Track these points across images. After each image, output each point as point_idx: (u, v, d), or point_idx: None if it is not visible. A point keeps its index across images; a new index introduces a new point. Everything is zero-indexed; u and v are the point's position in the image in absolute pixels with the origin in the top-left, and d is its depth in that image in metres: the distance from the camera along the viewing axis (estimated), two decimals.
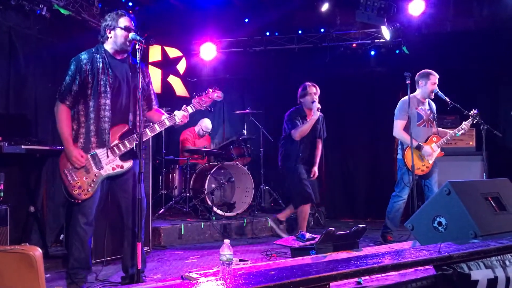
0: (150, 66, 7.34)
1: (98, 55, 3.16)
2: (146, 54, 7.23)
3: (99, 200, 3.18)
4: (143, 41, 3.12)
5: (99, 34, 3.23)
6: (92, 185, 3.08)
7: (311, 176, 5.14)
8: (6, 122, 4.53)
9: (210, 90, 3.50)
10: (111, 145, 3.13)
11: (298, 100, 5.21)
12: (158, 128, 3.25)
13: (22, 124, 4.69)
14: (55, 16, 5.11)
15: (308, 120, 5.04)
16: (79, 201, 3.07)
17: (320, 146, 5.24)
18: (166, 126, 3.31)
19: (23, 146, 3.79)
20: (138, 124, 3.22)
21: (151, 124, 3.29)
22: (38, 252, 2.07)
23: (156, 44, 7.37)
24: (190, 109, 3.38)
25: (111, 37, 3.18)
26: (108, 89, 3.12)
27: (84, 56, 3.13)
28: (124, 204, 3.25)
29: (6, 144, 3.67)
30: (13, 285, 2.03)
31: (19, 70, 4.75)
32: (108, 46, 3.21)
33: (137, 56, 3.11)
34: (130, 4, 6.28)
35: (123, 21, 3.18)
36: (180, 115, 3.31)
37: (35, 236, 4.26)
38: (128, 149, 3.17)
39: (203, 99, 3.44)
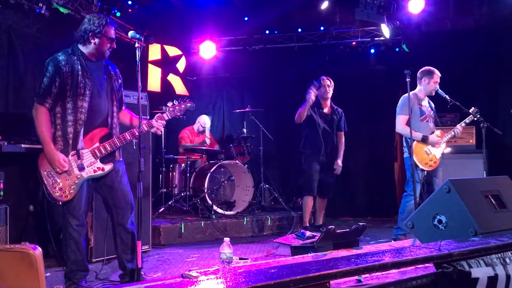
0: (150, 65, 7.33)
1: (75, 57, 3.14)
2: (145, 53, 7.22)
3: (87, 201, 3.20)
4: (142, 39, 3.12)
5: (76, 33, 3.18)
6: (73, 186, 3.08)
7: (335, 169, 5.44)
8: (6, 121, 4.52)
9: (183, 100, 3.53)
10: (92, 147, 3.14)
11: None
12: (137, 133, 3.26)
13: (21, 123, 4.67)
14: (54, 14, 5.09)
15: (323, 109, 5.42)
16: (60, 202, 3.07)
17: (342, 140, 5.57)
18: (144, 132, 3.34)
19: (22, 145, 3.79)
20: (114, 126, 3.27)
21: (131, 128, 3.30)
22: (38, 251, 2.06)
23: (156, 43, 7.35)
24: (166, 116, 3.41)
25: (94, 43, 3.17)
26: (87, 92, 3.11)
27: (62, 57, 3.10)
28: (111, 201, 3.27)
29: (6, 143, 3.66)
30: (13, 284, 2.03)
31: (18, 69, 4.74)
32: (86, 49, 3.19)
33: (137, 55, 3.10)
34: (130, 2, 6.27)
35: (109, 31, 3.18)
36: (157, 124, 3.34)
37: (34, 235, 4.25)
38: (108, 151, 3.18)
39: (176, 108, 3.47)
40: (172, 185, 6.41)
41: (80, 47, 3.19)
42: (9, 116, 4.59)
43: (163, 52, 7.56)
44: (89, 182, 3.17)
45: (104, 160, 3.18)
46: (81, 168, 3.10)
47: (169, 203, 6.09)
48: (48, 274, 3.60)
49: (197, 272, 2.55)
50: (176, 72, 7.70)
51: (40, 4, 4.84)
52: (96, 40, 3.16)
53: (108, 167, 3.19)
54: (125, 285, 3.28)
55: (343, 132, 5.57)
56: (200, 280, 1.73)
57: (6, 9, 4.64)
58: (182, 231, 5.31)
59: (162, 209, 5.97)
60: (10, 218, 3.53)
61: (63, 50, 3.16)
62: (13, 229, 3.65)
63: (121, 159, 3.35)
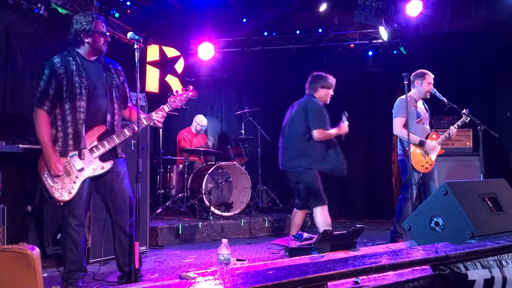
0: (148, 66, 7.33)
1: (70, 58, 3.14)
2: (144, 54, 7.22)
3: (87, 201, 3.20)
4: (141, 40, 3.12)
5: (68, 38, 3.20)
6: (73, 187, 3.08)
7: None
8: (3, 121, 4.52)
9: (185, 89, 3.52)
10: (90, 146, 3.13)
11: (312, 89, 4.57)
12: (136, 128, 3.24)
13: (19, 124, 4.67)
14: (52, 15, 5.08)
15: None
16: (61, 203, 3.07)
17: None
18: (144, 126, 3.33)
19: (20, 146, 3.78)
20: (116, 123, 3.25)
21: (130, 124, 3.27)
22: (35, 251, 2.06)
23: (154, 44, 7.35)
24: (166, 108, 3.39)
25: (88, 42, 3.18)
26: (83, 91, 3.11)
27: (57, 59, 3.12)
28: (110, 203, 3.26)
29: (4, 143, 3.66)
30: (10, 284, 2.03)
31: (16, 69, 4.73)
32: (82, 50, 3.20)
33: (135, 56, 3.11)
34: (128, 3, 6.27)
35: (99, 26, 3.19)
36: (157, 116, 3.33)
37: (32, 235, 4.25)
38: (107, 149, 3.17)
39: (178, 98, 3.46)
40: (170, 186, 6.41)
41: (76, 48, 3.20)
42: (7, 117, 4.58)
43: (162, 53, 7.56)
44: (89, 181, 3.16)
45: (104, 158, 3.17)
46: (80, 168, 3.10)
47: (167, 204, 6.08)
48: (45, 275, 3.59)
49: (194, 273, 2.55)
50: (174, 73, 7.70)
51: (39, 5, 4.83)
52: (89, 39, 3.17)
53: (108, 165, 3.17)
54: (122, 286, 3.28)
55: None
56: (197, 281, 1.73)
57: (5, 9, 4.63)
58: (180, 232, 5.30)
59: (160, 210, 5.97)
60: (7, 218, 3.53)
61: (59, 53, 3.18)
62: (10, 230, 3.65)
63: (123, 156, 3.33)
